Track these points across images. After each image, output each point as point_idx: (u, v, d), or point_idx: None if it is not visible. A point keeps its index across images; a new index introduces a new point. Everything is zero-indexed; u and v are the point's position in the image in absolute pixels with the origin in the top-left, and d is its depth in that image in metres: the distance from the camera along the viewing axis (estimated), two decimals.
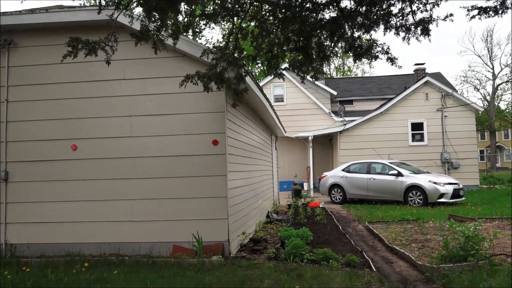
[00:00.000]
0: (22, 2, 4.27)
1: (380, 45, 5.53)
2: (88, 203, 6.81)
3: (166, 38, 5.08)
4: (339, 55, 39.26)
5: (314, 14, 5.45)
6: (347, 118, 20.75)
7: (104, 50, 4.82)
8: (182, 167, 6.67)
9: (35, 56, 7.13)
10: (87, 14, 6.77)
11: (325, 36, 5.60)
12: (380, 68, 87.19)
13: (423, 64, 22.23)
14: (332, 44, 5.67)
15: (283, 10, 5.41)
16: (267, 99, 9.36)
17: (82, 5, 6.46)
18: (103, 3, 5.13)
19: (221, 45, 6.16)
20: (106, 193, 6.80)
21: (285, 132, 15.52)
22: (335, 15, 5.44)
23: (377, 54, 5.55)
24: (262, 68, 34.91)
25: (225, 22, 6.01)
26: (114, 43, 4.83)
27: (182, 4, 4.89)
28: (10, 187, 6.99)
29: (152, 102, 6.80)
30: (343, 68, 48.60)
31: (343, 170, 15.69)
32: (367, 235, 8.94)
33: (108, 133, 6.87)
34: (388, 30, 5.40)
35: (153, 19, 4.78)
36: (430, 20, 5.16)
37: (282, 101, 21.72)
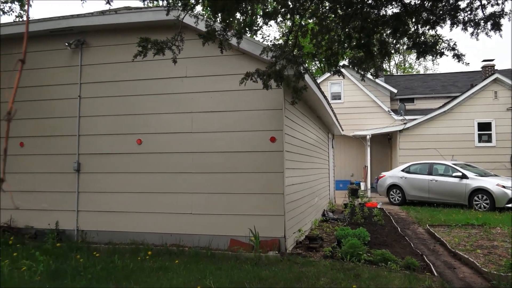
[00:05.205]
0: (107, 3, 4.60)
1: (446, 41, 5.31)
2: (152, 194, 7.16)
3: (231, 37, 5.21)
4: (401, 51, 37.93)
5: (376, 11, 5.34)
6: (407, 117, 20.03)
7: (171, 50, 5.04)
8: (240, 163, 6.81)
9: (105, 55, 7.60)
10: (153, 15, 7.08)
11: (387, 32, 5.46)
12: (444, 64, 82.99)
13: (492, 60, 20.94)
14: (395, 41, 5.52)
15: (344, 7, 5.34)
16: (324, 96, 9.28)
17: (147, 5, 6.73)
18: (165, 3, 5.34)
19: (278, 42, 6.17)
20: (168, 185, 7.11)
21: (342, 130, 15.29)
22: (398, 10, 5.29)
23: (442, 50, 5.32)
24: (319, 65, 34.51)
25: (286, 20, 6.04)
26: (180, 42, 5.04)
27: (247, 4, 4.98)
28: (81, 177, 7.51)
29: (212, 99, 7.00)
30: (404, 65, 46.84)
31: (402, 170, 15.23)
32: (428, 238, 8.62)
33: (171, 129, 7.17)
34: (455, 26, 5.16)
35: (219, 20, 4.91)
36: (501, 14, 4.87)
37: (340, 98, 21.38)
